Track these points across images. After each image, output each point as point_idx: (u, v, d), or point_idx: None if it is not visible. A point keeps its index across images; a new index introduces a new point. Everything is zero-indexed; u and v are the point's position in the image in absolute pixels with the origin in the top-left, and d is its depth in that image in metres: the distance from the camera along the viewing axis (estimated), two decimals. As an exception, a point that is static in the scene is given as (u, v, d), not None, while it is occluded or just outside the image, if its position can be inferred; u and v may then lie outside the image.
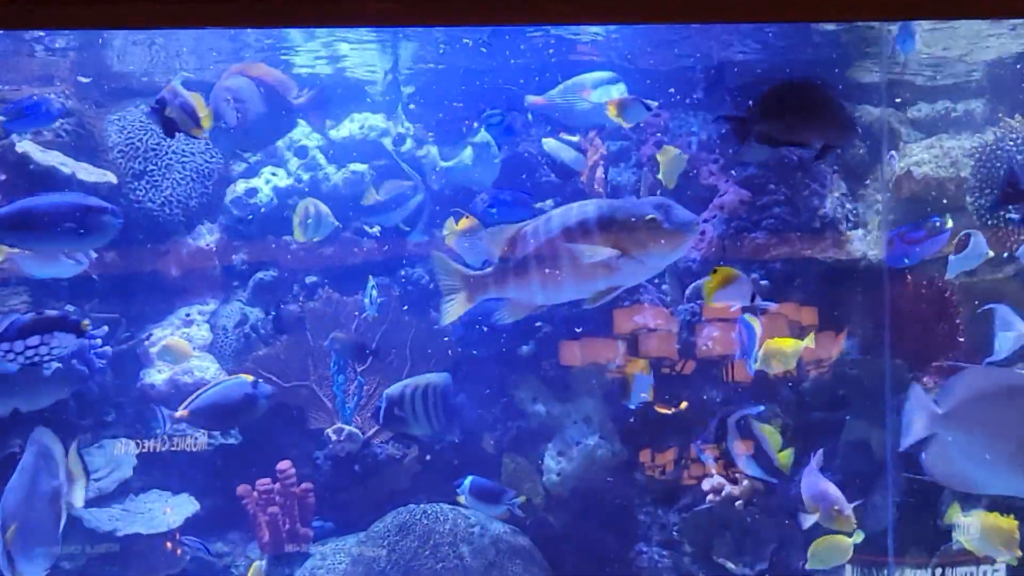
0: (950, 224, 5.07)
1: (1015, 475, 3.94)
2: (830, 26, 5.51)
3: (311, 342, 6.09)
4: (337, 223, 5.71)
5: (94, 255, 5.25)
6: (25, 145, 5.65)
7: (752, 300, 4.59)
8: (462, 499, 5.45)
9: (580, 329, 5.91)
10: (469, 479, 5.42)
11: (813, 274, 5.80)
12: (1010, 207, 4.87)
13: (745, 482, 5.59)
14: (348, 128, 6.38)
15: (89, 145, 6.04)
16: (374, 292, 5.69)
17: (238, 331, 6.17)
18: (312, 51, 6.07)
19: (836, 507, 4.71)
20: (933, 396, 4.18)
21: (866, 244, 5.82)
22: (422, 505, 5.80)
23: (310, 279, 6.21)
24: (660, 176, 5.69)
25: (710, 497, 5.70)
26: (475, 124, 5.68)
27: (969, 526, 4.73)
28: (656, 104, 5.25)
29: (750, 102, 3.91)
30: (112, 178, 5.92)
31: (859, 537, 4.89)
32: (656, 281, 5.93)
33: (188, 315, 6.13)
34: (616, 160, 6.30)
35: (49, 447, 4.61)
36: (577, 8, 2.33)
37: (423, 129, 6.40)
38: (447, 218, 5.32)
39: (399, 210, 5.82)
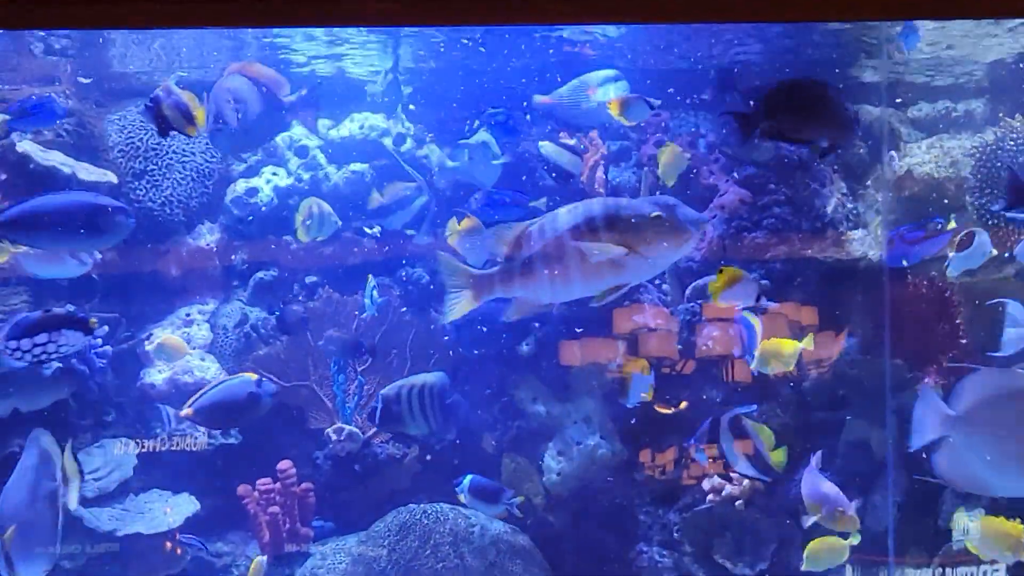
0: (952, 225, 5.06)
1: None
2: (831, 25, 5.51)
3: (311, 342, 6.09)
4: (340, 222, 5.72)
5: (98, 256, 5.25)
6: (26, 145, 5.65)
7: (757, 300, 4.60)
8: (463, 498, 5.45)
9: (580, 329, 5.91)
10: (468, 478, 5.42)
11: (813, 274, 5.81)
12: (1018, 209, 4.86)
13: (745, 482, 5.59)
14: (348, 128, 6.38)
15: (90, 145, 6.04)
16: (375, 293, 5.69)
17: (238, 331, 6.17)
18: (312, 50, 6.07)
19: (840, 508, 4.70)
20: (938, 396, 4.18)
21: (866, 244, 5.82)
22: (422, 505, 5.80)
23: (310, 279, 6.21)
24: (660, 173, 5.69)
25: (710, 497, 5.70)
26: (476, 123, 5.66)
27: (976, 531, 4.71)
28: (659, 103, 5.25)
29: (752, 100, 3.91)
30: (112, 178, 5.92)
31: (855, 539, 4.88)
32: (656, 281, 5.94)
33: (188, 315, 6.13)
34: (616, 160, 6.30)
35: (47, 448, 4.61)
36: (577, 8, 2.33)
37: (424, 129, 6.40)
38: (449, 219, 5.32)
39: (403, 212, 5.82)
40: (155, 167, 6.23)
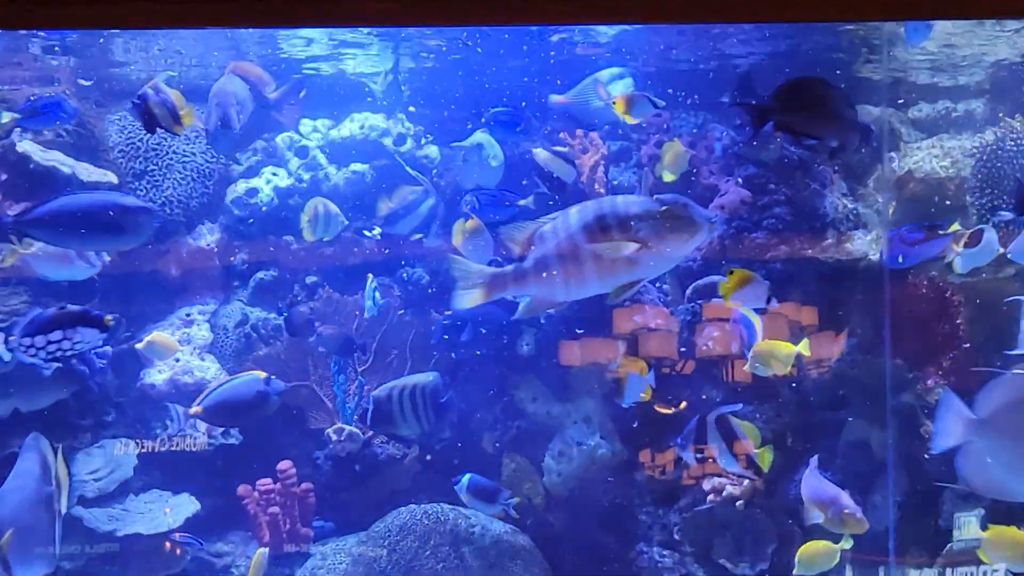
0: (954, 227, 5.05)
1: None
2: (831, 25, 5.51)
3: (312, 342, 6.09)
4: (347, 222, 5.71)
5: (107, 258, 5.25)
6: (26, 145, 5.65)
7: (768, 302, 4.61)
8: (464, 498, 5.45)
9: (580, 329, 5.91)
10: (467, 476, 5.42)
11: (813, 274, 5.80)
12: None
13: (746, 482, 5.60)
14: (348, 128, 6.37)
15: (90, 145, 6.04)
16: (377, 294, 5.69)
17: (238, 331, 6.17)
18: (312, 50, 6.07)
19: (846, 510, 4.67)
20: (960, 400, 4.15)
21: (866, 244, 5.82)
22: (422, 505, 5.81)
23: (310, 279, 6.21)
24: (662, 170, 5.69)
25: (710, 497, 5.70)
26: (482, 121, 5.66)
27: (987, 540, 4.69)
28: (663, 103, 5.26)
29: (767, 95, 3.91)
30: (113, 178, 5.92)
31: (847, 542, 4.87)
32: (656, 281, 5.93)
33: (188, 315, 6.13)
34: (617, 160, 6.30)
35: (43, 453, 4.61)
36: (577, 8, 2.33)
37: (424, 129, 6.40)
38: (450, 219, 5.33)
39: (412, 216, 5.81)
40: (155, 167, 6.23)
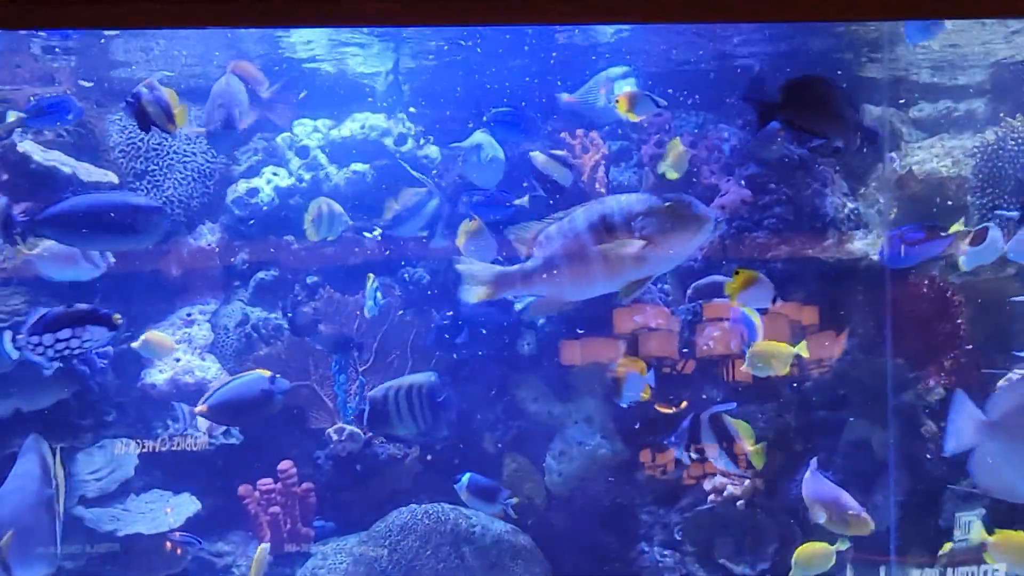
0: (955, 228, 5.04)
1: None
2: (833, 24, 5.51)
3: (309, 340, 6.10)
4: (350, 221, 5.71)
5: (112, 260, 5.26)
6: (26, 145, 5.65)
7: (774, 302, 4.61)
8: (464, 496, 5.45)
9: (581, 329, 5.91)
10: (467, 476, 5.42)
11: (814, 274, 5.80)
12: None
13: (747, 482, 5.60)
14: (349, 128, 6.37)
15: (90, 145, 6.04)
16: (378, 294, 5.69)
17: (239, 331, 6.17)
18: (313, 50, 6.07)
19: (851, 511, 4.67)
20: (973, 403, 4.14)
21: (867, 244, 5.81)
22: (423, 505, 5.81)
23: (311, 279, 6.21)
24: (665, 167, 5.69)
25: (711, 497, 5.70)
26: (483, 120, 5.65)
27: (993, 545, 4.68)
28: (665, 103, 5.26)
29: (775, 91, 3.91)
30: (113, 178, 5.92)
31: (843, 544, 4.86)
32: (657, 281, 5.93)
33: (189, 315, 6.13)
34: (617, 160, 6.30)
35: (42, 455, 4.61)
36: (577, 8, 2.33)
37: (424, 130, 6.40)
38: (458, 220, 5.33)
39: (418, 218, 5.81)
40: (156, 167, 6.23)
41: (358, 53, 6.10)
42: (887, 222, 5.86)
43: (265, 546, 5.49)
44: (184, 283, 6.18)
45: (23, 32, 5.28)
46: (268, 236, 6.26)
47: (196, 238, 6.24)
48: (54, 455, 4.65)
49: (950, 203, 5.75)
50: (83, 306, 4.81)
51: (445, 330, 5.89)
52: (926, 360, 5.63)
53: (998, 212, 5.34)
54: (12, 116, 5.39)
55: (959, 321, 5.62)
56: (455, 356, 6.05)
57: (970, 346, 5.59)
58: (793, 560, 4.95)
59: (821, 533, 4.92)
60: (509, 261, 4.04)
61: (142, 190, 6.15)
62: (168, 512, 5.68)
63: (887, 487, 5.55)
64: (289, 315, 6.01)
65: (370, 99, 6.42)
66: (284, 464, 5.80)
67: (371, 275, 5.72)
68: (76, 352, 4.85)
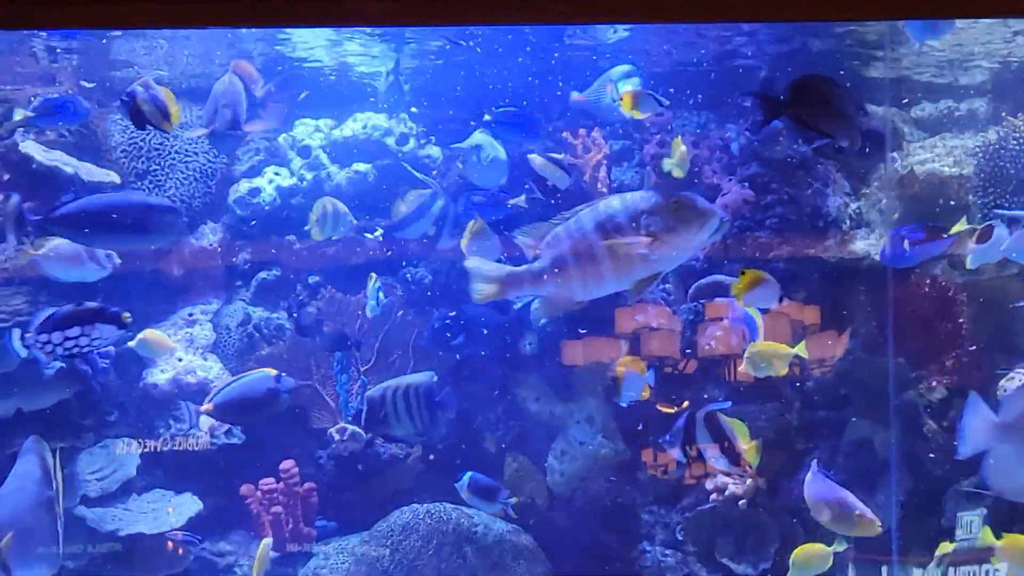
0: (956, 229, 5.03)
1: None
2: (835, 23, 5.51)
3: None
4: (355, 221, 5.71)
5: (118, 261, 5.26)
6: (28, 145, 5.65)
7: (780, 302, 4.61)
8: (464, 495, 5.45)
9: (583, 329, 5.91)
10: (468, 475, 5.42)
11: (816, 273, 5.80)
12: None
13: (748, 481, 5.59)
14: (351, 128, 6.38)
15: (92, 144, 6.05)
16: (381, 295, 5.69)
17: (241, 331, 6.17)
18: (314, 50, 6.08)
19: (858, 512, 4.65)
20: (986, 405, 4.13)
21: (869, 243, 5.81)
22: (425, 505, 5.81)
23: (313, 279, 6.21)
24: (672, 165, 5.69)
25: (713, 496, 5.70)
26: (484, 120, 5.65)
27: (1003, 549, 4.67)
28: (668, 102, 5.26)
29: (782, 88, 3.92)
30: (115, 178, 5.92)
31: (840, 545, 4.85)
32: (659, 281, 5.93)
33: (191, 315, 6.13)
34: (619, 159, 6.29)
35: (42, 456, 4.61)
36: (577, 8, 2.33)
37: (427, 130, 6.40)
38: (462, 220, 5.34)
39: (424, 219, 5.81)
40: (158, 167, 6.24)
41: (359, 53, 6.10)
42: (889, 222, 5.85)
43: (268, 540, 5.49)
44: (186, 283, 6.18)
45: (24, 32, 5.29)
46: (270, 236, 6.26)
47: (198, 238, 6.24)
48: (54, 456, 4.65)
49: (952, 203, 5.75)
50: (92, 304, 4.81)
51: (447, 330, 5.89)
52: (928, 359, 5.63)
53: (996, 212, 5.33)
54: (20, 114, 5.39)
55: (961, 320, 5.62)
56: (457, 356, 6.05)
57: (972, 346, 5.59)
58: (791, 561, 4.94)
59: (824, 533, 4.91)
60: (511, 261, 4.05)
61: (143, 190, 6.15)
62: (170, 512, 5.68)
63: (889, 487, 5.55)
64: (294, 315, 6.01)
65: (372, 99, 6.42)
66: (286, 464, 5.79)
67: (373, 275, 5.72)
68: (85, 350, 4.85)
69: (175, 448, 5.67)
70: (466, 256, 5.09)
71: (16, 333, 4.85)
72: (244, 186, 6.26)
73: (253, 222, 6.25)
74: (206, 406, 5.17)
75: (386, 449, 6.06)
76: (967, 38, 5.72)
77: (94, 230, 4.63)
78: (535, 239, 3.81)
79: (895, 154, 6.00)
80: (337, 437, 5.97)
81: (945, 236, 4.98)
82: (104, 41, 5.74)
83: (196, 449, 5.68)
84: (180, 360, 5.93)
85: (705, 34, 5.79)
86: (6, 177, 5.61)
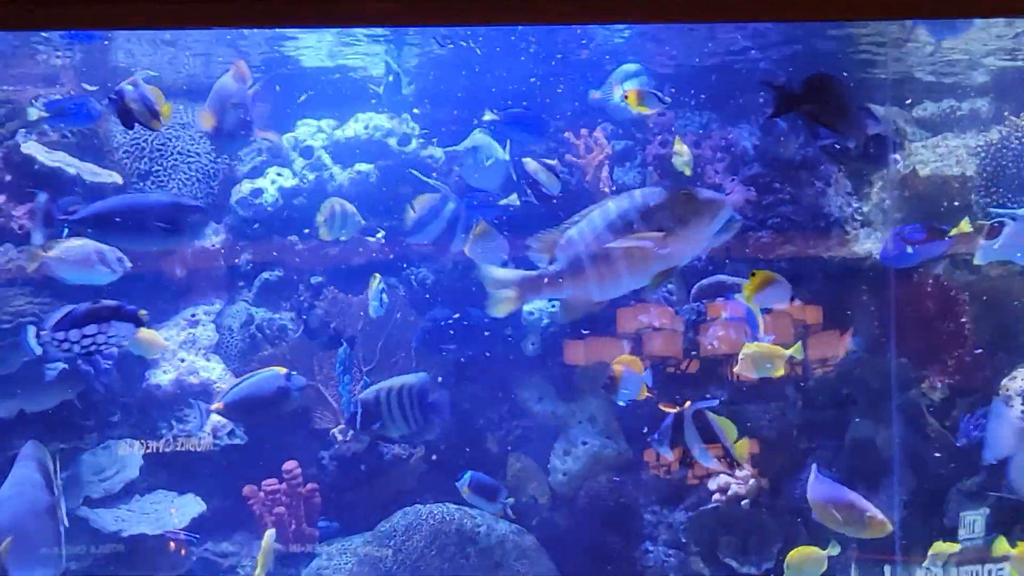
0: (960, 227, 5.02)
1: None
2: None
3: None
4: (363, 221, 5.70)
5: (129, 265, 5.26)
6: (30, 146, 5.66)
7: (791, 302, 4.60)
8: (465, 491, 5.44)
9: (586, 329, 5.91)
10: (469, 474, 5.41)
11: (818, 273, 5.80)
12: None
13: (751, 481, 5.59)
14: (353, 128, 6.38)
15: (94, 145, 6.05)
16: (384, 295, 5.68)
17: (244, 331, 6.18)
18: (315, 50, 6.08)
19: (869, 514, 4.62)
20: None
21: (871, 243, 5.81)
22: (428, 505, 5.81)
23: (315, 279, 6.21)
24: (681, 164, 5.69)
25: (716, 496, 5.69)
26: (485, 119, 5.65)
27: (1018, 559, 4.65)
28: (670, 100, 5.26)
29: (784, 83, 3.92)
30: (118, 178, 5.93)
31: (834, 548, 4.83)
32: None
33: (194, 315, 6.14)
34: (621, 159, 6.29)
35: (42, 460, 4.61)
36: (577, 8, 2.33)
37: (429, 131, 6.40)
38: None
39: (436, 223, 5.80)
40: (160, 168, 6.24)
41: (361, 53, 6.11)
42: (891, 221, 5.85)
43: (271, 532, 5.46)
44: (188, 284, 6.19)
45: (25, 32, 5.29)
46: (272, 236, 6.26)
47: (200, 238, 6.25)
48: (54, 460, 4.65)
49: (954, 202, 5.74)
50: (110, 302, 4.80)
51: (438, 332, 5.89)
52: (930, 359, 5.62)
53: (992, 211, 5.33)
54: (34, 114, 5.39)
55: (963, 320, 5.62)
56: (460, 357, 6.05)
57: (974, 346, 5.59)
58: (786, 564, 4.92)
59: (827, 533, 4.90)
60: (517, 262, 4.05)
61: (146, 190, 6.16)
62: (173, 513, 5.69)
63: (891, 486, 5.55)
64: (304, 317, 6.00)
65: (373, 100, 6.42)
66: (289, 464, 5.80)
67: (377, 275, 5.72)
68: (101, 348, 4.84)
69: (178, 449, 5.67)
70: (471, 260, 5.09)
71: (32, 330, 4.84)
72: (246, 187, 6.27)
73: (256, 223, 6.25)
74: (216, 405, 5.16)
75: (389, 450, 6.06)
76: (968, 38, 5.72)
77: (121, 230, 4.64)
78: (547, 245, 3.82)
79: (897, 155, 5.99)
80: (340, 438, 5.98)
81: (947, 237, 4.97)
82: (106, 42, 5.74)
83: (199, 450, 5.69)
84: (183, 361, 5.94)
85: (705, 33, 5.79)
86: (9, 178, 5.62)
